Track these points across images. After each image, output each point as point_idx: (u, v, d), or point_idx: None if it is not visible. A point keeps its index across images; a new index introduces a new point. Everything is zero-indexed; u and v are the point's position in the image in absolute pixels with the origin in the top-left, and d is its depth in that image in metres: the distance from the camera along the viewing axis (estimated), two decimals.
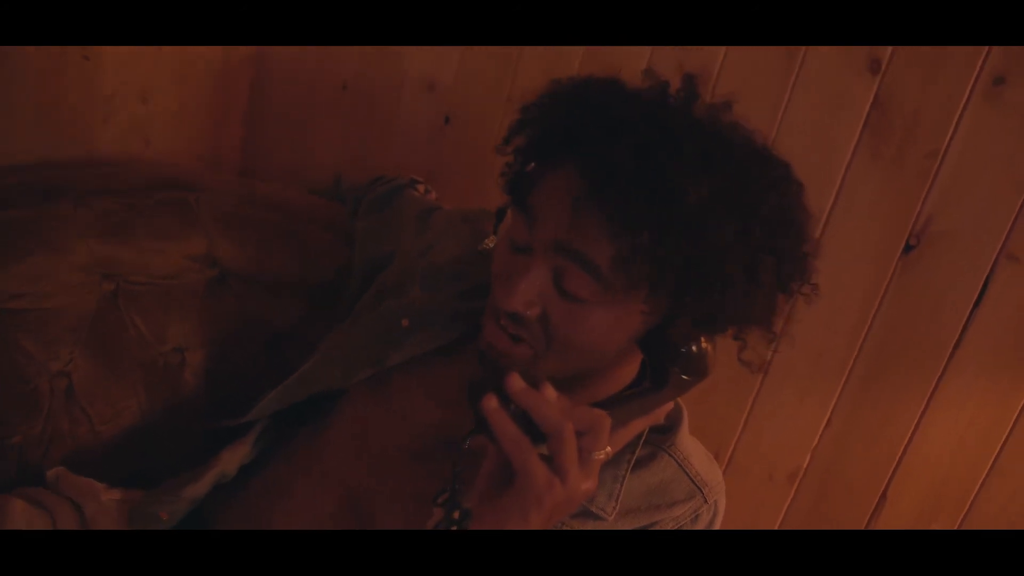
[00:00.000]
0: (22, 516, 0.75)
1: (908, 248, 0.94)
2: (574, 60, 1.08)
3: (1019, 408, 0.92)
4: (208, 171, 1.07)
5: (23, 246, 0.88)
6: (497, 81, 1.14)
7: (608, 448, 0.66)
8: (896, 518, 0.99)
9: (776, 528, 1.06)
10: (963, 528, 0.97)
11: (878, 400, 0.98)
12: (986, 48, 0.89)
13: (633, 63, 1.04)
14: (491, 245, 0.88)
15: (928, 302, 0.94)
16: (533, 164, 0.72)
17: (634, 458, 0.78)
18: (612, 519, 0.77)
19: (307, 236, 1.04)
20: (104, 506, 0.81)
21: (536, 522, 0.65)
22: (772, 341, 0.72)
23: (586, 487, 0.65)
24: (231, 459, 0.86)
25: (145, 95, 1.10)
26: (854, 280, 0.96)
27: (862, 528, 1.02)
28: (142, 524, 0.81)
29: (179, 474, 0.88)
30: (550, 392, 0.65)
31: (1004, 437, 0.93)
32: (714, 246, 0.65)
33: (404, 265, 0.96)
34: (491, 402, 0.65)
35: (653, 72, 0.74)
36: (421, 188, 1.10)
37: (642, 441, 0.79)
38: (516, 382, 0.65)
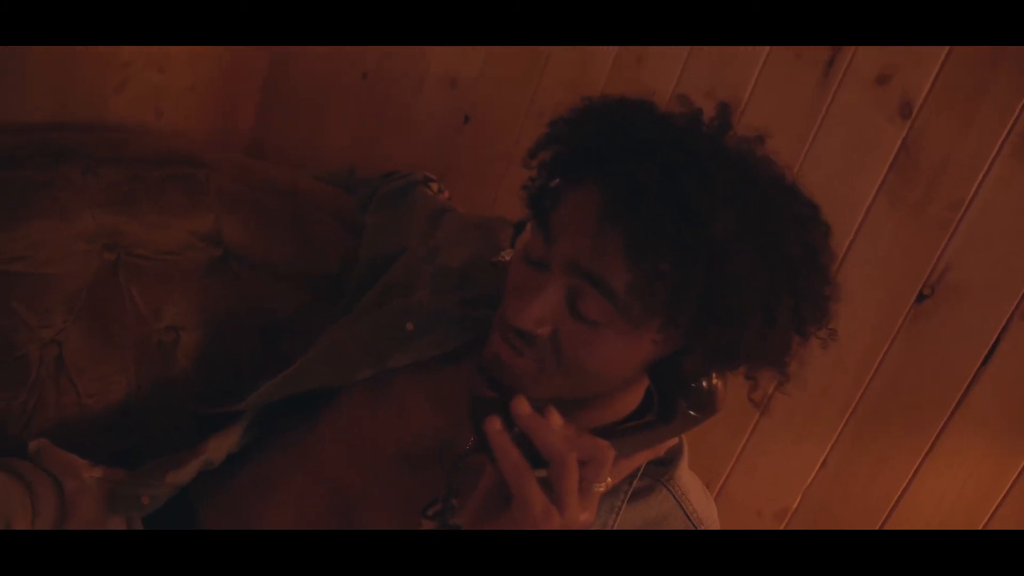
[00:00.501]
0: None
1: (922, 297, 0.93)
2: (601, 72, 1.07)
3: (1018, 469, 0.91)
4: (218, 150, 1.04)
5: (29, 208, 0.86)
6: (521, 84, 1.12)
7: (609, 479, 0.65)
8: None
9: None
10: None
11: (875, 447, 0.97)
12: (1021, 102, 0.88)
13: (662, 85, 1.03)
14: (507, 258, 0.87)
15: (936, 354, 0.93)
16: (557, 180, 0.71)
17: (631, 489, 0.77)
18: None
19: (314, 225, 1.02)
20: (85, 484, 0.79)
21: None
22: (783, 383, 0.71)
23: (584, 518, 0.63)
24: (218, 447, 0.85)
25: (162, 65, 1.08)
26: (864, 324, 0.95)
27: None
28: (122, 506, 0.80)
29: (163, 456, 0.86)
30: (556, 419, 0.64)
31: (1000, 498, 0.92)
32: (735, 280, 0.63)
33: (411, 265, 0.94)
34: (495, 424, 0.63)
35: (686, 98, 0.73)
36: (435, 187, 1.08)
37: (640, 472, 0.78)
38: (522, 406, 0.63)
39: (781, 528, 1.03)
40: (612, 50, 1.06)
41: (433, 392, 0.82)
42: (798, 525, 1.02)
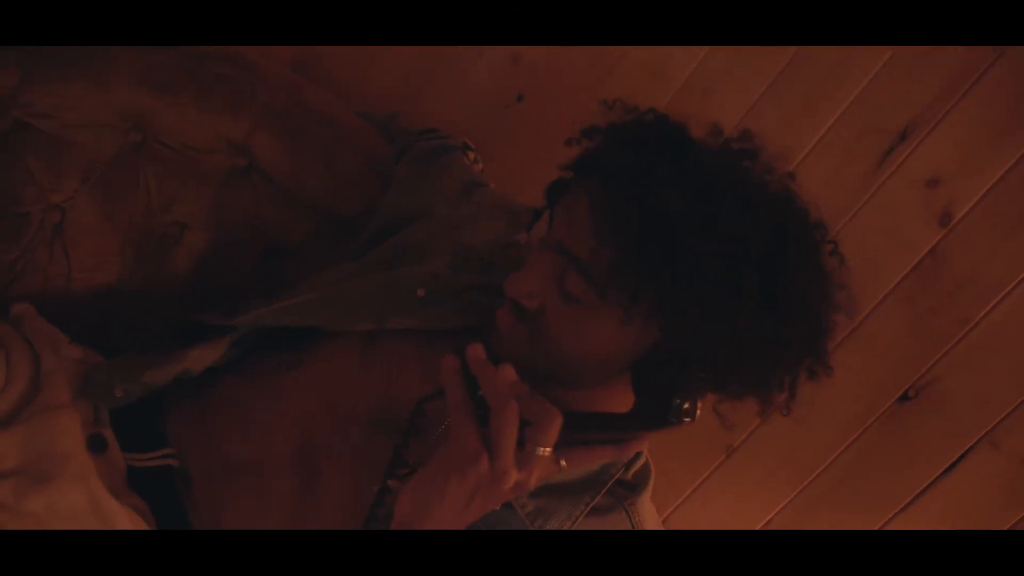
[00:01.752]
0: None
1: (905, 397, 0.96)
2: (667, 90, 1.06)
3: None
4: (269, 60, 1.01)
5: (68, 69, 0.82)
6: (586, 77, 1.11)
7: (549, 448, 0.64)
8: None
9: None
10: None
11: (820, 520, 1.00)
12: None
13: (723, 118, 1.03)
14: (522, 241, 0.88)
15: (903, 453, 0.97)
16: (572, 174, 0.75)
17: (592, 503, 0.79)
18: None
19: (346, 163, 1.00)
20: (62, 362, 0.77)
21: (454, 494, 0.65)
22: (765, 411, 0.72)
23: (518, 478, 0.64)
24: (201, 358, 0.83)
25: None
26: (845, 407, 0.98)
27: None
28: (94, 394, 0.78)
29: (141, 351, 0.84)
30: (508, 371, 0.65)
31: None
32: (694, 270, 0.65)
33: (433, 231, 0.93)
34: (450, 362, 0.66)
35: (717, 125, 0.75)
36: (472, 155, 1.07)
37: (605, 490, 0.79)
38: (477, 350, 0.66)
39: None
40: (686, 72, 1.05)
41: (420, 363, 0.82)
42: None
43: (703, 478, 1.05)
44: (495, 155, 1.14)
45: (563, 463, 0.67)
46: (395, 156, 1.04)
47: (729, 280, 0.65)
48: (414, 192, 0.99)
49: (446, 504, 0.66)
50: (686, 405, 0.68)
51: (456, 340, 0.84)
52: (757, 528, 1.04)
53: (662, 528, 0.85)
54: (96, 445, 0.75)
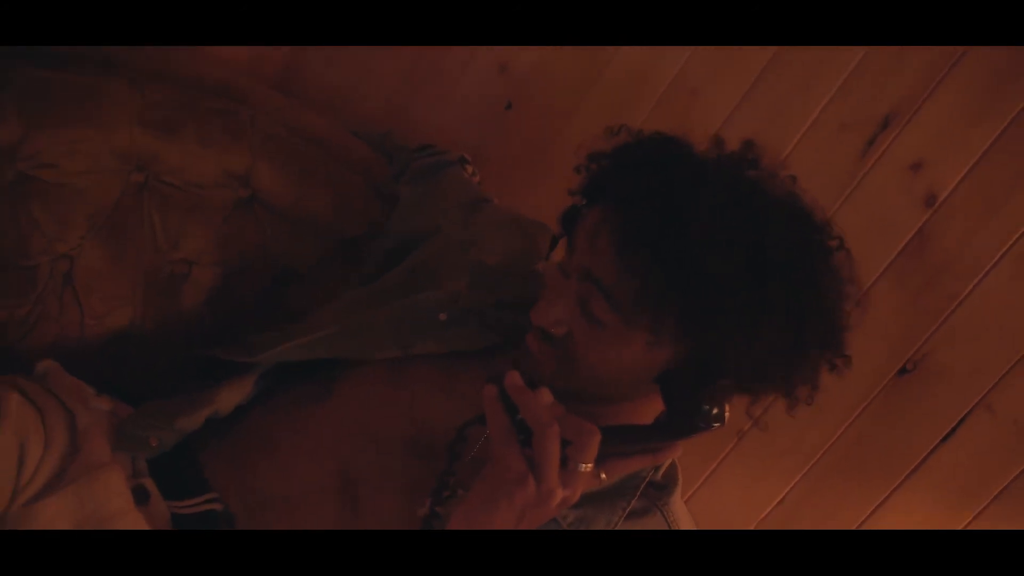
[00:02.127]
0: (16, 413, 0.70)
1: (904, 371, 1.01)
2: (650, 99, 1.09)
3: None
4: (261, 87, 1.00)
5: (69, 113, 0.81)
6: (574, 82, 1.12)
7: (591, 464, 0.67)
8: None
9: None
10: None
11: (832, 494, 1.06)
12: None
13: (709, 122, 1.06)
14: (541, 270, 0.89)
15: (905, 423, 1.02)
16: (584, 200, 0.77)
17: (629, 508, 0.82)
18: None
19: (347, 184, 1.01)
20: (94, 415, 0.77)
21: (503, 516, 0.67)
22: (792, 405, 0.74)
23: (563, 495, 0.67)
24: (229, 398, 0.84)
25: None
26: (848, 384, 1.02)
27: None
28: (129, 446, 0.78)
29: (168, 397, 0.84)
30: (545, 395, 0.68)
31: None
32: (712, 288, 0.67)
33: (444, 249, 0.94)
34: (490, 391, 0.68)
35: (719, 138, 0.77)
36: (470, 169, 1.08)
37: (639, 493, 0.82)
38: (515, 378, 0.68)
39: None
40: (668, 79, 1.08)
41: (449, 385, 0.84)
42: None
43: (718, 461, 1.10)
44: (488, 163, 1.15)
45: (603, 476, 0.70)
46: (395, 176, 1.05)
47: (753, 294, 0.67)
48: (420, 212, 1.00)
49: (496, 526, 0.68)
50: (715, 411, 0.71)
51: (482, 360, 0.86)
52: (773, 504, 1.09)
53: (694, 525, 0.88)
54: (140, 498, 0.75)
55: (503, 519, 0.67)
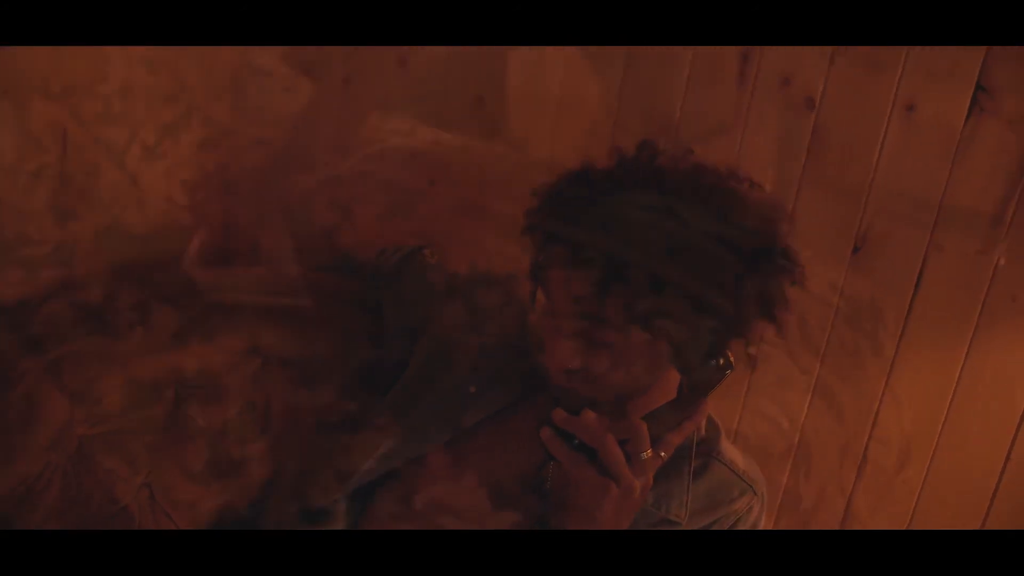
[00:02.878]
0: None
1: (856, 250, 1.15)
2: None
3: (960, 364, 1.14)
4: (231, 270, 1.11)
5: (102, 374, 0.91)
6: (472, 148, 1.24)
7: (649, 450, 0.82)
8: (876, 475, 1.21)
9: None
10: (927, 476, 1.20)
11: (850, 375, 1.19)
12: (897, 76, 1.09)
13: (593, 92, 1.19)
14: (533, 321, 1.01)
15: (877, 292, 1.15)
16: (540, 256, 0.88)
17: (691, 469, 0.94)
18: (685, 522, 0.92)
19: (342, 318, 1.12)
20: None
21: (605, 521, 0.81)
22: (780, 327, 0.86)
23: (641, 483, 0.82)
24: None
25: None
26: (816, 279, 1.13)
27: (846, 493, 1.22)
28: None
29: None
30: (588, 416, 0.82)
31: (951, 392, 1.15)
32: (679, 268, 0.79)
33: (449, 338, 1.04)
34: (546, 432, 0.82)
35: (619, 148, 0.88)
36: (428, 251, 1.19)
37: (694, 454, 0.95)
38: (559, 413, 0.83)
39: (789, 464, 1.24)
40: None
41: (512, 433, 0.96)
42: (800, 461, 1.23)
43: (744, 391, 1.22)
44: (439, 237, 1.27)
45: (663, 454, 0.84)
46: (371, 287, 1.16)
47: (717, 287, 0.80)
48: (406, 307, 1.11)
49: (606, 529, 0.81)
50: (721, 361, 0.86)
51: (525, 404, 0.97)
52: (805, 406, 1.21)
53: (747, 456, 1.00)
54: None
55: (604, 523, 0.81)
